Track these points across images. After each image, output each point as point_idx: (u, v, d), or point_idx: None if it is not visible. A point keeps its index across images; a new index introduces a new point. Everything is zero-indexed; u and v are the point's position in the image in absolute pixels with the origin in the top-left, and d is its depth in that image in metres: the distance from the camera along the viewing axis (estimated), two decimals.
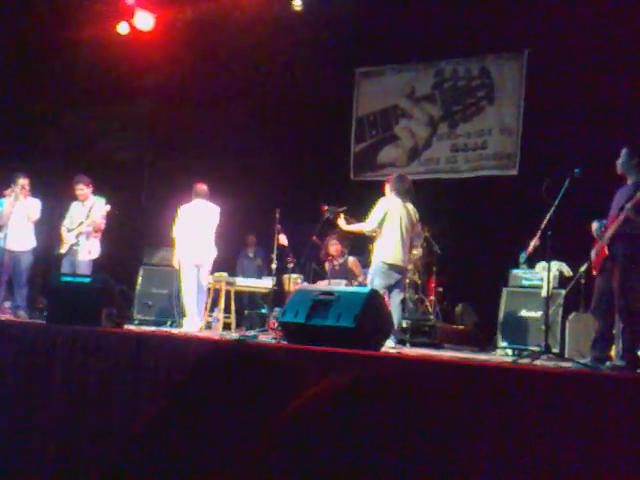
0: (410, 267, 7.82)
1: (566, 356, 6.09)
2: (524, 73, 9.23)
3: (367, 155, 10.58)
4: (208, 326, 8.24)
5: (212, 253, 7.70)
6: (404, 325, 7.80)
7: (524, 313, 7.58)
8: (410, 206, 6.84)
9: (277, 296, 8.20)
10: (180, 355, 4.31)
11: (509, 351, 7.39)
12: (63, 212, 8.09)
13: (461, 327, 8.87)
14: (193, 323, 7.43)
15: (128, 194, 10.72)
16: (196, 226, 7.59)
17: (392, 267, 6.59)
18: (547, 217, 5.35)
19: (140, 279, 9.17)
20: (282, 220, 8.12)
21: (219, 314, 8.36)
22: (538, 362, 5.07)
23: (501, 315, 7.71)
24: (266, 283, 8.77)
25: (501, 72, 9.52)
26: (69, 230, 7.89)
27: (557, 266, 7.35)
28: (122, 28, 9.60)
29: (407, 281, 8.07)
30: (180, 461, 1.56)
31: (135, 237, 10.47)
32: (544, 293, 6.59)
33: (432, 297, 8.69)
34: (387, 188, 6.87)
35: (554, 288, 7.13)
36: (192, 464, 1.54)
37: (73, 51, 10.44)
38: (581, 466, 2.78)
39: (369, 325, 4.38)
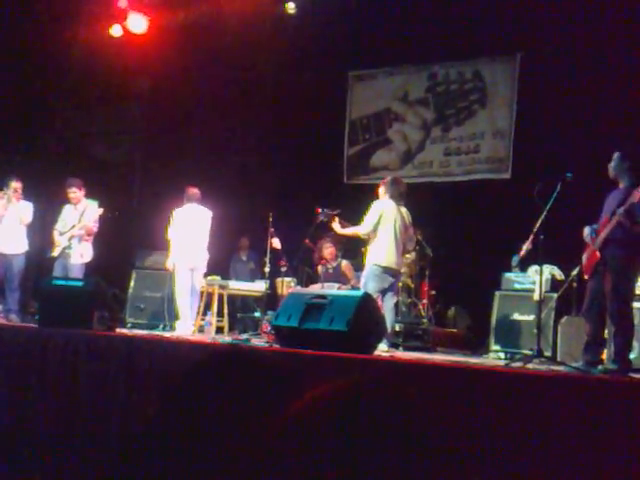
0: (403, 270, 7.82)
1: (558, 359, 6.10)
2: (517, 77, 9.25)
3: (360, 158, 10.59)
4: (201, 330, 8.23)
5: (205, 256, 7.71)
6: (397, 328, 7.80)
7: (516, 316, 7.60)
8: (404, 209, 6.85)
9: (270, 300, 8.20)
10: (173, 359, 4.29)
11: (501, 354, 7.41)
12: (55, 215, 8.06)
13: (454, 330, 8.88)
14: (186, 326, 7.42)
15: (120, 197, 10.71)
16: (190, 230, 7.61)
17: (386, 270, 6.60)
18: (539, 221, 5.37)
19: (132, 282, 9.16)
20: (275, 223, 8.12)
21: (212, 318, 8.35)
22: (530, 365, 5.08)
23: (494, 318, 7.73)
24: (259, 286, 8.76)
25: (494, 76, 9.55)
26: (61, 233, 7.86)
27: (549, 270, 7.37)
28: (115, 31, 9.60)
29: (400, 284, 8.07)
30: (175, 463, 1.56)
31: (127, 240, 10.45)
32: (536, 297, 6.60)
33: (425, 300, 8.70)
34: (381, 191, 6.87)
35: (546, 292, 7.15)
36: (187, 466, 1.54)
37: (66, 53, 10.43)
38: (573, 470, 2.78)
39: (362, 329, 4.38)
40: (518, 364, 5.09)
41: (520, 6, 8.45)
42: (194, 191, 7.79)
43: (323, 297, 4.62)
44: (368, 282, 6.57)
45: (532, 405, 2.99)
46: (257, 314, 9.04)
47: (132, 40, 9.66)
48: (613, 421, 2.79)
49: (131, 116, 11.30)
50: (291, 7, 9.38)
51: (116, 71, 10.22)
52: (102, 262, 8.35)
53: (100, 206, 7.94)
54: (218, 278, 8.73)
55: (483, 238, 8.53)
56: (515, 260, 7.00)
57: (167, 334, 7.26)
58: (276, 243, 8.21)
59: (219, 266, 9.04)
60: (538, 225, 5.39)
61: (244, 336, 7.54)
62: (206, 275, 8.12)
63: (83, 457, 4.47)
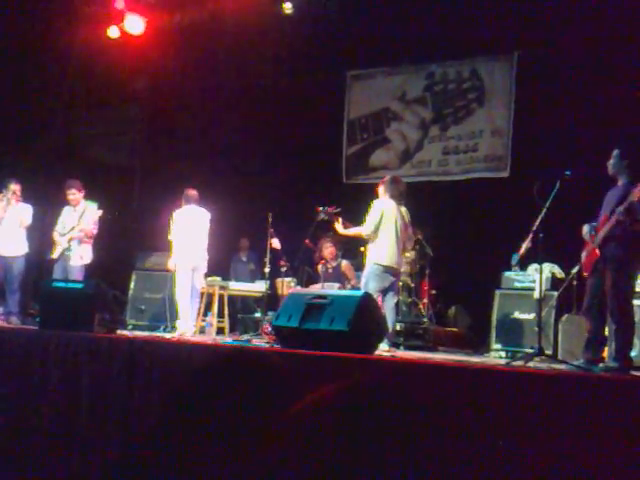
0: (403, 270, 7.82)
1: (559, 358, 6.10)
2: (514, 75, 9.26)
3: (359, 158, 10.60)
4: (202, 330, 8.23)
5: (206, 257, 7.73)
6: (398, 328, 7.80)
7: (517, 315, 7.60)
8: (403, 209, 6.85)
9: (270, 300, 8.20)
10: (174, 360, 4.30)
11: (502, 353, 7.41)
12: (55, 217, 8.06)
13: (454, 329, 8.89)
14: (187, 326, 7.43)
15: (120, 198, 10.71)
16: (191, 231, 7.64)
17: (387, 269, 6.60)
18: (539, 219, 5.37)
19: (133, 284, 9.16)
20: (275, 224, 8.12)
21: (212, 318, 8.35)
22: (531, 364, 5.09)
23: (494, 317, 7.73)
24: (259, 287, 8.77)
25: (491, 74, 9.55)
26: (61, 235, 7.87)
27: (549, 268, 7.37)
28: (112, 32, 9.59)
29: (400, 284, 8.08)
30: (179, 464, 1.56)
31: (127, 242, 10.45)
32: (536, 295, 6.61)
33: (425, 300, 8.70)
34: (380, 191, 6.87)
35: (546, 290, 7.16)
36: (190, 466, 1.54)
37: (64, 55, 10.43)
38: (574, 467, 2.79)
39: (363, 328, 4.38)
40: (519, 363, 5.10)
41: (517, 5, 8.46)
42: (193, 193, 7.80)
43: (323, 297, 4.62)
44: (369, 281, 6.57)
45: (533, 404, 2.99)
46: (257, 314, 9.05)
47: (130, 41, 9.65)
48: (614, 419, 2.79)
49: (130, 117, 11.30)
50: (288, 7, 9.39)
51: (115, 72, 10.22)
52: (102, 264, 8.35)
53: (99, 208, 7.94)
54: (218, 279, 8.74)
55: (483, 237, 8.54)
56: (515, 259, 7.01)
57: (168, 335, 7.26)
58: (276, 243, 8.21)
59: (219, 267, 9.04)
60: (537, 223, 5.38)
61: (245, 337, 7.54)
62: (206, 276, 8.13)
63: (84, 459, 4.48)
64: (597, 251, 5.27)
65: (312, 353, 3.91)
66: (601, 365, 5.17)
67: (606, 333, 5.37)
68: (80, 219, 7.83)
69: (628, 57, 7.78)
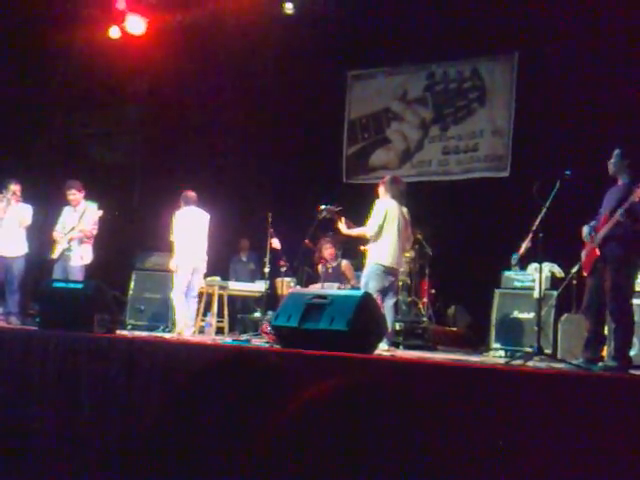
0: (403, 269, 7.82)
1: (558, 357, 6.10)
2: (515, 75, 9.27)
3: (359, 158, 10.60)
4: (201, 330, 8.23)
5: (206, 258, 7.75)
6: (397, 327, 7.80)
7: (517, 314, 7.61)
8: (404, 209, 6.86)
9: (270, 300, 8.21)
10: (173, 360, 4.29)
11: (502, 352, 7.42)
12: (55, 217, 8.06)
13: (454, 329, 8.89)
14: (187, 325, 7.46)
15: (120, 199, 10.71)
16: (192, 232, 7.66)
17: (387, 270, 6.61)
18: (538, 218, 5.37)
19: (132, 284, 9.17)
20: (275, 224, 8.12)
21: (212, 318, 8.35)
22: (531, 363, 5.09)
23: (494, 317, 7.73)
24: (259, 287, 8.77)
25: (492, 74, 9.56)
26: (61, 235, 7.87)
27: (549, 267, 7.38)
28: (113, 32, 9.59)
29: (400, 283, 8.08)
30: (178, 462, 1.57)
31: (127, 242, 10.44)
32: (536, 294, 6.61)
33: (425, 299, 8.71)
34: (381, 191, 6.86)
35: (546, 289, 7.16)
36: (189, 464, 1.55)
37: (65, 55, 10.43)
38: (574, 467, 2.79)
39: (363, 328, 4.38)
40: (518, 362, 5.10)
41: (518, 4, 8.46)
42: (192, 194, 7.83)
43: (323, 297, 4.61)
44: (369, 281, 6.58)
45: (533, 403, 2.99)
46: (257, 314, 9.05)
47: (131, 42, 9.65)
48: (614, 418, 2.79)
49: (131, 118, 11.30)
50: (289, 7, 9.39)
51: (115, 73, 10.22)
52: (102, 264, 8.35)
53: (100, 208, 7.94)
54: (218, 279, 8.74)
55: (482, 236, 8.54)
56: (515, 258, 7.01)
57: (168, 335, 7.27)
58: (276, 243, 8.22)
59: (219, 267, 9.05)
60: (537, 223, 5.39)
61: (244, 337, 7.54)
62: (206, 276, 8.14)
63: (84, 459, 4.48)
64: (597, 251, 5.27)
65: (312, 353, 3.90)
66: (600, 364, 5.17)
67: (605, 332, 5.38)
68: (80, 219, 7.83)
69: (629, 57, 7.78)
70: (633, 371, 4.92)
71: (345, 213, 7.43)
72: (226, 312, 8.69)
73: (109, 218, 8.21)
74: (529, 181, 5.40)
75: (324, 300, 4.53)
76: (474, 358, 6.66)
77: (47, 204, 8.68)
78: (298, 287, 8.35)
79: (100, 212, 7.89)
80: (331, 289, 7.43)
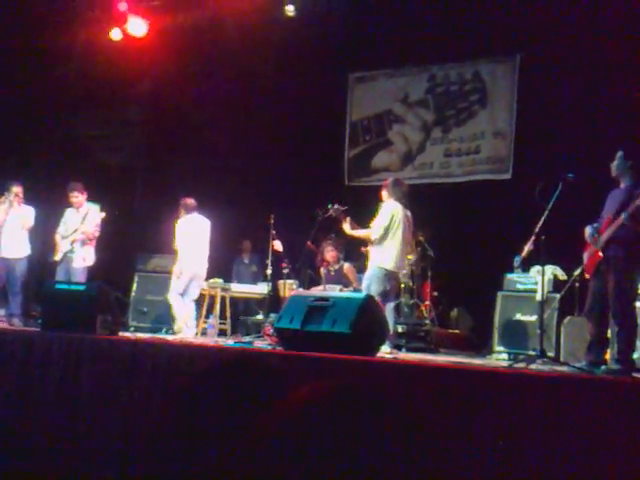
0: (405, 272, 7.82)
1: (561, 360, 6.09)
2: (516, 77, 9.27)
3: (361, 160, 10.61)
4: (204, 332, 8.23)
5: (206, 265, 7.80)
6: (400, 330, 7.80)
7: (519, 317, 7.60)
8: (408, 212, 6.85)
9: (272, 302, 8.20)
10: (176, 362, 4.29)
11: (504, 355, 7.41)
12: (57, 219, 8.07)
13: (456, 332, 8.89)
14: (188, 326, 7.48)
15: (122, 200, 10.71)
16: (196, 239, 7.70)
17: (390, 273, 6.61)
18: (541, 221, 5.36)
19: (135, 286, 9.16)
20: (277, 226, 8.12)
21: (214, 320, 8.35)
22: (533, 366, 5.07)
23: (496, 319, 7.73)
24: (261, 289, 8.77)
25: (494, 76, 9.56)
26: (63, 237, 7.88)
27: (551, 270, 7.37)
28: (115, 34, 9.61)
29: (402, 286, 8.07)
30: (180, 463, 1.57)
31: (129, 244, 10.45)
32: (539, 297, 6.60)
33: (427, 302, 8.70)
34: (385, 194, 6.84)
35: (549, 292, 7.16)
36: (191, 465, 1.55)
37: (67, 57, 10.44)
38: (576, 469, 2.78)
39: (365, 330, 4.38)
40: (521, 365, 5.09)
41: (519, 7, 8.46)
42: (191, 201, 7.85)
43: (325, 299, 4.61)
44: (371, 284, 6.57)
45: (535, 406, 2.99)
46: (259, 317, 9.05)
47: (132, 44, 9.67)
48: (616, 421, 2.78)
49: (133, 119, 11.31)
50: (290, 10, 9.39)
51: (117, 75, 10.23)
52: (104, 265, 8.35)
53: (102, 210, 7.95)
54: (220, 281, 8.74)
55: (485, 239, 8.54)
56: (517, 261, 6.99)
57: (170, 337, 7.26)
58: (278, 245, 8.22)
59: (221, 269, 9.05)
60: (540, 225, 5.37)
61: (247, 339, 7.54)
62: (208, 278, 8.14)
63: (86, 460, 4.48)
64: (600, 253, 5.26)
65: (314, 355, 3.90)
66: (603, 367, 5.16)
67: (608, 335, 5.36)
68: (83, 221, 7.84)
69: (630, 59, 7.77)
70: (636, 374, 4.91)
71: (348, 215, 7.43)
72: (228, 314, 8.68)
73: (111, 220, 8.21)
74: (531, 183, 5.39)
75: (326, 302, 4.53)
76: (476, 361, 6.64)
77: (49, 206, 8.69)
78: (300, 289, 8.34)
79: (102, 214, 7.89)
80: (333, 291, 7.42)
